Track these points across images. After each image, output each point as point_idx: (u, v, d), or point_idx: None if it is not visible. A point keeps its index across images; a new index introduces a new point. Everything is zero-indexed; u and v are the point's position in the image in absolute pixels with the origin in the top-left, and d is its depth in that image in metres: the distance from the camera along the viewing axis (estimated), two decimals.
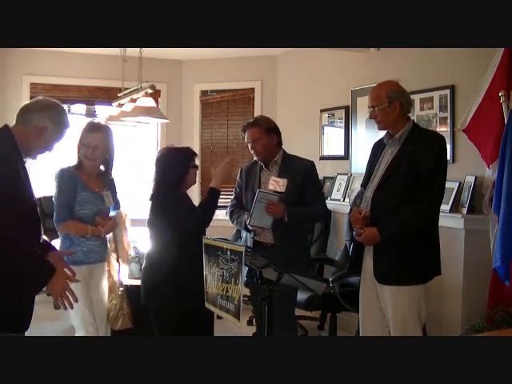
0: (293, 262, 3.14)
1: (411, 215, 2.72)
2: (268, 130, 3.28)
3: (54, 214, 3.20)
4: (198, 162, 3.20)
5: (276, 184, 3.19)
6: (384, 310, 2.84)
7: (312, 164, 3.36)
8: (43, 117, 2.37)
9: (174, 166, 3.08)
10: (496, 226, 3.32)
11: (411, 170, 2.72)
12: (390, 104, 2.77)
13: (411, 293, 2.75)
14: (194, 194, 6.34)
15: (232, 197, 3.55)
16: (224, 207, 3.57)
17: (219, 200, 3.13)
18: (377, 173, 2.87)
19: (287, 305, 3.23)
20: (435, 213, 2.81)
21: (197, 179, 3.28)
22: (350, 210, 2.93)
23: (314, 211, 3.25)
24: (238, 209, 3.40)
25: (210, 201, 3.10)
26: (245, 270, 2.78)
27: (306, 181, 3.25)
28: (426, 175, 2.71)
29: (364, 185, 2.93)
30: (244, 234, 3.41)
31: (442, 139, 2.83)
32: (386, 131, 2.91)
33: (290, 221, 3.16)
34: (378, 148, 2.97)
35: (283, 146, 3.38)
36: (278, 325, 3.10)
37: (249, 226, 3.22)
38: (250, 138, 3.28)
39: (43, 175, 5.99)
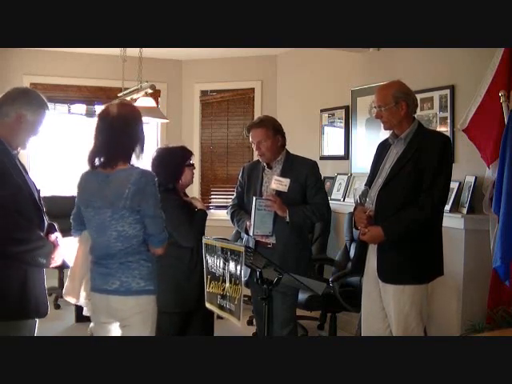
0: (293, 262, 3.14)
1: (414, 215, 2.72)
2: (274, 132, 3.26)
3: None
4: (193, 161, 3.20)
5: (279, 183, 3.18)
6: (386, 309, 2.84)
7: (315, 164, 3.36)
8: (18, 106, 2.44)
9: (167, 165, 3.08)
10: (496, 225, 3.33)
11: (415, 170, 2.72)
12: (397, 104, 2.77)
13: (414, 292, 2.75)
14: (195, 194, 6.33)
15: (233, 196, 3.53)
16: (225, 207, 3.56)
17: (220, 200, 3.11)
18: (381, 173, 2.87)
19: (288, 305, 3.23)
20: (438, 213, 2.80)
21: (197, 179, 3.28)
22: (355, 209, 2.93)
23: (316, 211, 3.25)
24: (238, 210, 3.39)
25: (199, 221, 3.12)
26: (246, 270, 2.79)
27: (308, 180, 3.25)
28: (428, 175, 2.71)
29: (368, 184, 2.92)
30: (244, 234, 3.41)
31: (447, 140, 2.83)
32: (388, 131, 2.91)
33: (292, 220, 3.16)
34: (383, 148, 2.97)
35: None
36: (278, 325, 3.12)
37: (253, 237, 3.23)
38: (255, 139, 3.26)
39: (42, 175, 6.01)
